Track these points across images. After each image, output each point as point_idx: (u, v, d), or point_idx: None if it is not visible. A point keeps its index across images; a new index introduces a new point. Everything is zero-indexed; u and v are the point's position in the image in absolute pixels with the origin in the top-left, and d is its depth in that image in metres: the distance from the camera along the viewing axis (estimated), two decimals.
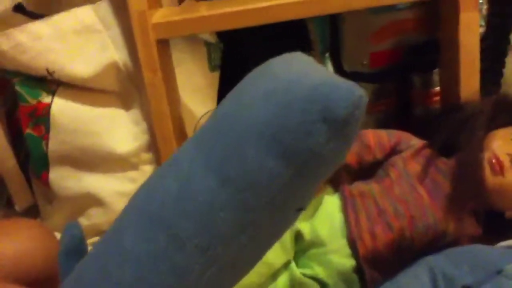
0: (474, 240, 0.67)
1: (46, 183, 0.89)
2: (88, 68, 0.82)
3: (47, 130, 0.85)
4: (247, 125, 0.39)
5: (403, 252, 0.66)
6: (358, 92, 0.38)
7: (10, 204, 1.00)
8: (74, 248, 0.48)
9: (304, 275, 0.68)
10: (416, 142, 0.74)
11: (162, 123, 0.80)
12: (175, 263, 0.40)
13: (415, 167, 0.70)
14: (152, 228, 0.41)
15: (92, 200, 0.89)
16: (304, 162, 0.38)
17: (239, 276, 0.46)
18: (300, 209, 0.44)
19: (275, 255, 0.68)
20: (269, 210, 0.40)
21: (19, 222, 0.75)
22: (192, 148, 0.42)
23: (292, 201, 0.41)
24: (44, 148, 0.86)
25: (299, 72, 0.40)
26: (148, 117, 0.86)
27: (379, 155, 0.73)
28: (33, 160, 0.88)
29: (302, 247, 0.70)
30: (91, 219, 0.91)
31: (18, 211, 0.98)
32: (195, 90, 0.91)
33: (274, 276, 0.70)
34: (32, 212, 0.99)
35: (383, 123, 0.92)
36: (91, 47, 0.82)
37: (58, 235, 0.67)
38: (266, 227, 0.41)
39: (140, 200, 0.44)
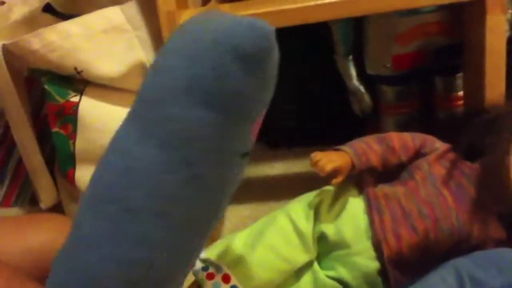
0: (500, 244, 0.67)
1: (72, 181, 0.90)
2: (115, 68, 0.83)
3: (75, 129, 0.86)
4: (165, 86, 0.40)
5: (428, 255, 0.66)
6: (260, 24, 0.38)
7: (34, 201, 1.02)
8: None
9: (328, 276, 0.69)
10: (440, 145, 0.74)
11: None
12: (136, 235, 0.41)
13: (440, 170, 0.71)
14: (105, 207, 0.41)
15: None
16: (229, 105, 0.39)
17: (203, 234, 0.46)
18: (245, 154, 0.44)
19: (296, 252, 0.69)
20: (211, 160, 0.41)
21: (39, 216, 0.76)
22: (126, 122, 0.44)
23: (231, 147, 0.42)
24: (71, 146, 0.87)
25: (203, 21, 0.41)
26: None
27: (403, 158, 0.73)
28: (60, 158, 0.90)
29: (326, 249, 0.70)
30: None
31: (43, 208, 1.00)
32: None
33: (297, 276, 0.71)
34: (57, 210, 1.01)
35: (404, 126, 0.93)
36: (119, 47, 0.83)
37: None
38: (215, 177, 0.42)
39: (91, 185, 0.45)
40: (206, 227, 0.46)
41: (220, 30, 0.39)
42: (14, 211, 1.05)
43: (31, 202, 1.04)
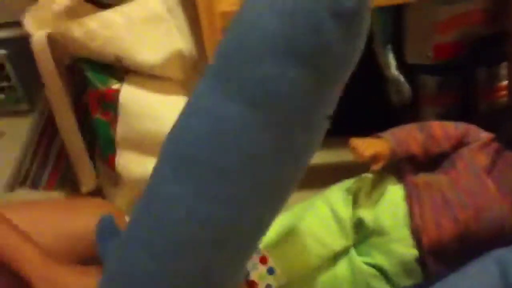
0: None
1: (112, 166, 0.92)
2: (155, 56, 0.84)
3: (115, 115, 0.88)
4: (258, 43, 0.38)
5: (469, 245, 0.65)
6: None
7: (75, 185, 1.04)
8: (109, 230, 0.51)
9: (365, 263, 0.69)
10: (484, 135, 0.73)
11: None
12: (223, 195, 0.40)
13: (483, 159, 0.69)
14: (190, 167, 0.40)
15: None
16: (325, 64, 0.38)
17: (283, 198, 0.45)
18: (329, 117, 0.43)
19: (334, 237, 0.69)
20: (302, 121, 0.40)
21: (78, 201, 0.78)
22: (208, 79, 0.41)
23: (321, 108, 0.41)
24: (112, 132, 0.89)
25: None
26: None
27: (445, 147, 0.72)
28: (101, 144, 0.92)
29: (364, 235, 0.70)
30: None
31: (83, 192, 1.03)
32: None
33: (334, 261, 0.71)
34: (97, 194, 1.03)
35: (444, 117, 0.91)
36: (158, 35, 0.84)
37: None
38: (303, 139, 0.41)
39: (170, 145, 0.43)
40: (287, 191, 0.44)
41: None
42: (56, 194, 1.08)
43: (72, 186, 1.07)
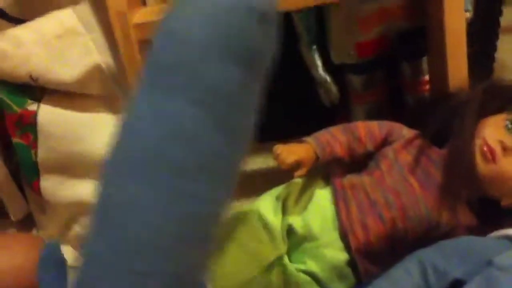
0: (471, 231, 0.66)
1: (38, 191, 0.88)
2: (71, 73, 0.81)
3: (35, 138, 0.84)
4: (192, 47, 0.41)
5: (397, 244, 0.65)
6: None
7: (4, 214, 1.00)
8: (52, 258, 0.48)
9: (298, 270, 0.68)
10: (407, 132, 0.73)
11: None
12: (184, 191, 0.41)
13: (407, 157, 0.69)
14: (146, 169, 0.41)
15: (85, 207, 0.88)
16: (254, 61, 0.43)
17: (232, 186, 0.47)
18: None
19: (266, 248, 0.68)
20: (241, 113, 0.44)
21: (4, 238, 0.74)
22: (142, 93, 0.43)
23: (253, 101, 0.45)
24: (34, 156, 0.85)
25: None
26: None
27: (370, 147, 0.72)
28: (24, 169, 0.88)
29: (295, 242, 0.69)
30: (85, 226, 0.90)
31: (13, 220, 0.98)
32: None
33: (268, 271, 0.69)
34: (28, 221, 0.99)
35: (374, 114, 0.91)
36: (74, 51, 0.81)
37: None
38: (243, 129, 0.45)
39: (117, 154, 0.43)
40: (235, 179, 0.47)
41: None
42: None
43: (1, 215, 1.02)
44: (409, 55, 0.87)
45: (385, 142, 0.73)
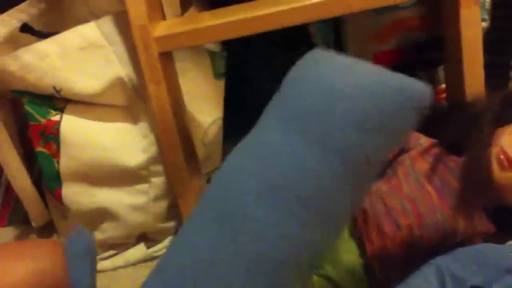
0: (488, 238, 0.66)
1: (59, 199, 0.90)
2: (94, 84, 0.83)
3: (58, 147, 0.86)
4: (345, 113, 0.46)
5: (413, 251, 0.66)
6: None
7: (27, 220, 1.02)
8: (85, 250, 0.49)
9: (316, 274, 0.68)
10: (424, 140, 0.73)
11: (168, 135, 0.81)
12: (304, 219, 0.46)
13: (424, 165, 0.70)
14: (278, 194, 0.46)
15: (105, 214, 0.90)
16: (400, 137, 0.51)
17: (334, 236, 0.51)
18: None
19: None
20: (364, 170, 0.48)
21: (26, 244, 0.75)
22: (284, 124, 0.48)
23: (381, 160, 0.51)
24: (56, 165, 0.87)
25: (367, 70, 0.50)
26: (155, 129, 0.87)
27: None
28: (46, 177, 0.90)
29: None
30: (105, 233, 0.92)
31: (34, 227, 1.00)
32: (200, 99, 0.91)
33: None
34: (49, 228, 1.01)
35: None
36: (96, 63, 0.83)
37: None
38: (361, 185, 0.50)
39: (256, 177, 0.47)
40: (344, 222, 0.53)
41: (401, 82, 0.49)
42: (8, 231, 1.05)
43: (24, 221, 1.04)
44: (424, 65, 0.88)
45: (402, 150, 0.73)
